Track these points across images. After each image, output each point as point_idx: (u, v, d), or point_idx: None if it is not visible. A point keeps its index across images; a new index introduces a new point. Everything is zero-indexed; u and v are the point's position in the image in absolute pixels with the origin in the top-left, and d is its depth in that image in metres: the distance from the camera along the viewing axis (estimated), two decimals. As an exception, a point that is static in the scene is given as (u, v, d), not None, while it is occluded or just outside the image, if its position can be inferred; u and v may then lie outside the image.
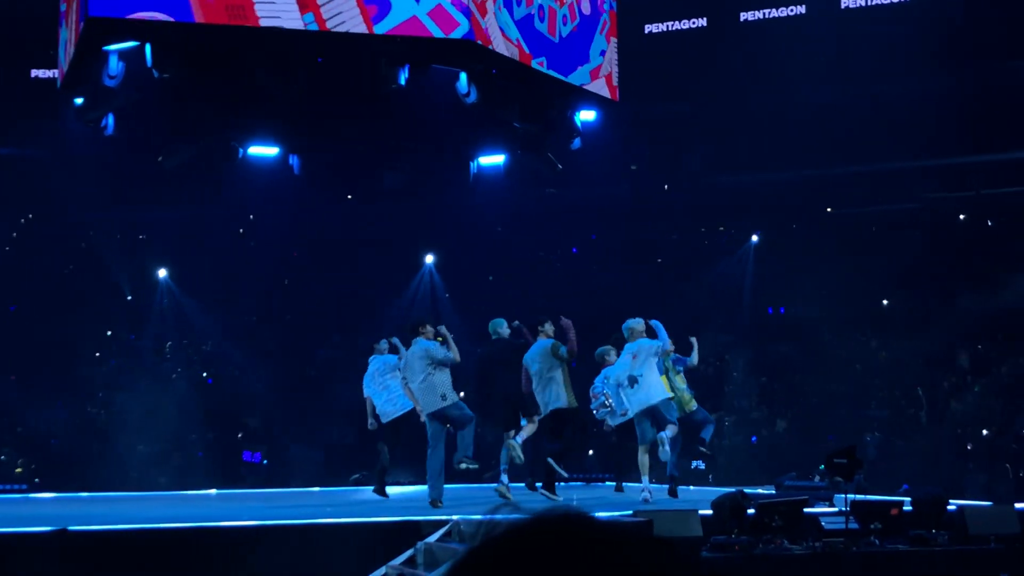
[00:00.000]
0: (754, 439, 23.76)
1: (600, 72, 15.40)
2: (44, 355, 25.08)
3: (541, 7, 14.26)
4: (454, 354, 14.13)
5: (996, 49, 24.60)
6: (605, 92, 15.49)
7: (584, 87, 15.12)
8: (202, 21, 12.12)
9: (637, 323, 14.74)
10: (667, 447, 14.19)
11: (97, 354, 26.04)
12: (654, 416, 14.40)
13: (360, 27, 12.49)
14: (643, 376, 14.42)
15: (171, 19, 12.05)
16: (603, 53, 15.49)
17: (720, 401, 24.57)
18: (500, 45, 13.43)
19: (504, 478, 14.30)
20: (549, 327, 14.81)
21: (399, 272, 27.19)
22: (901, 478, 19.42)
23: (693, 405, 15.53)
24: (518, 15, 13.85)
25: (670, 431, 14.26)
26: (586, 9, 15.25)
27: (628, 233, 27.34)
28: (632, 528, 1.45)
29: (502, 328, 14.84)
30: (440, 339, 14.49)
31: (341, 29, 12.44)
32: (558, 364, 14.44)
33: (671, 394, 14.78)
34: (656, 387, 14.44)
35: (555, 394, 14.39)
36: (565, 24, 14.76)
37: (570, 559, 1.37)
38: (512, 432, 14.45)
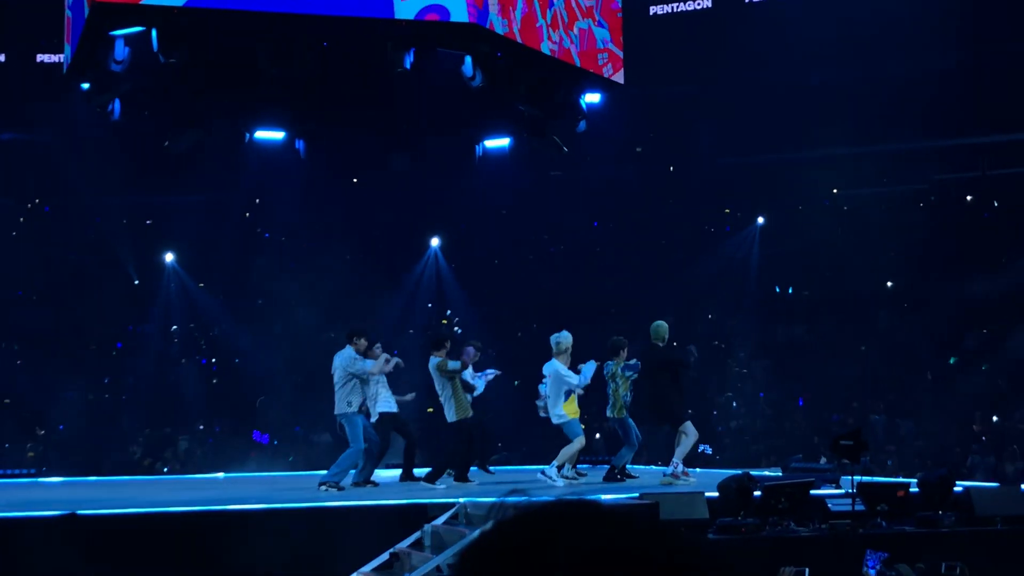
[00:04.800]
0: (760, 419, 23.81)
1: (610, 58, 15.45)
2: (51, 340, 25.13)
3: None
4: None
5: (1002, 30, 24.50)
6: (611, 75, 15.45)
7: (591, 71, 15.09)
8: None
9: (565, 338, 14.70)
10: (556, 480, 14.34)
11: (104, 339, 26.05)
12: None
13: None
14: (549, 399, 14.90)
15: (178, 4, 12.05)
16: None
17: (725, 383, 24.59)
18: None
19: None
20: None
21: (405, 255, 27.20)
22: (907, 460, 19.44)
23: (624, 413, 15.31)
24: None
25: (551, 470, 14.48)
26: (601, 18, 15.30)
27: (633, 215, 27.30)
28: (640, 512, 1.47)
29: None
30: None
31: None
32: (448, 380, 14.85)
33: (567, 418, 14.76)
34: (556, 412, 14.70)
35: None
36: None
37: (579, 542, 1.39)
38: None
